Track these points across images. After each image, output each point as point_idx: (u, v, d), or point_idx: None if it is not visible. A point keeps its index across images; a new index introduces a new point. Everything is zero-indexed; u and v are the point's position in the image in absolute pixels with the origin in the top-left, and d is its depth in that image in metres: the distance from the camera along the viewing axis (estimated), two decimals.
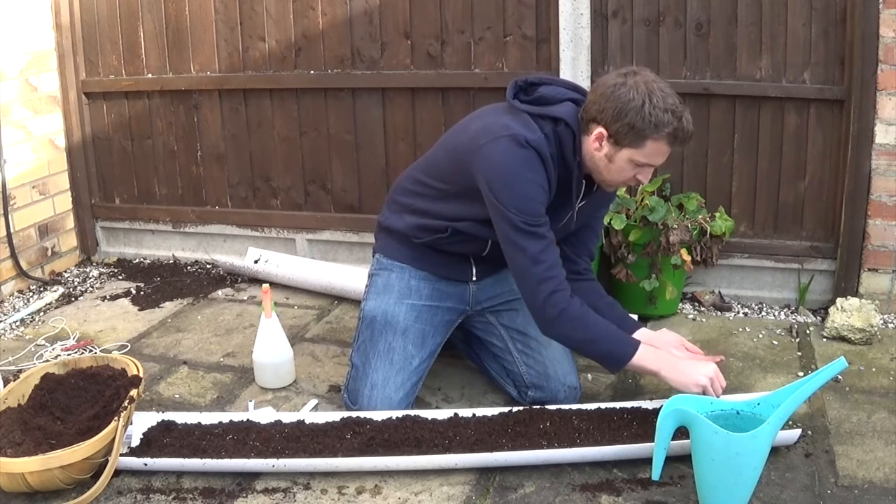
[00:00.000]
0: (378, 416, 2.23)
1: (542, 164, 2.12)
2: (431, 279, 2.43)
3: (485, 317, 2.50)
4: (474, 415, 2.24)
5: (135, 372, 2.27)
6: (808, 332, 2.87)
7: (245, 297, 3.38)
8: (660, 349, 2.20)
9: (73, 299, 3.42)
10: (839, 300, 2.84)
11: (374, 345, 2.35)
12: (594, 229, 2.48)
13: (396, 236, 2.44)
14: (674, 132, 2.05)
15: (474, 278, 2.46)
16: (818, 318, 2.99)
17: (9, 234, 3.43)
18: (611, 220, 2.92)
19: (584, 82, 3.04)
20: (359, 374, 2.35)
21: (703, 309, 3.09)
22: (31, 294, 3.49)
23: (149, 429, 2.23)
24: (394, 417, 2.23)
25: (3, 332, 3.11)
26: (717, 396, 2.08)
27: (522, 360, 2.41)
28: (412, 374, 2.34)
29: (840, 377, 2.50)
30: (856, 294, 2.93)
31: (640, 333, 2.28)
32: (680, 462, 2.04)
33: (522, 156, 2.10)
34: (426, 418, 2.23)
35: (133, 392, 2.17)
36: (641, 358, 2.15)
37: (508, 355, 2.44)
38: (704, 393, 2.08)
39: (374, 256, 2.53)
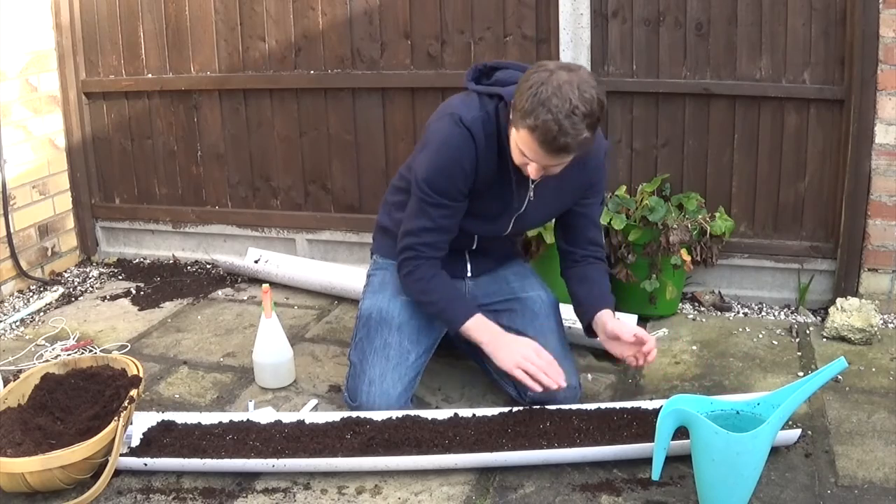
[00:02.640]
0: (378, 416, 2.23)
1: (472, 144, 2.16)
2: None
3: (488, 315, 2.50)
4: (474, 415, 2.24)
5: (135, 372, 2.27)
6: (808, 332, 2.87)
7: (245, 297, 3.38)
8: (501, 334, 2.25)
9: (73, 299, 3.42)
10: (839, 300, 2.84)
11: (370, 342, 2.35)
12: (587, 217, 2.40)
13: (390, 235, 2.45)
14: (536, 125, 1.95)
15: (469, 275, 2.47)
16: (818, 318, 2.99)
17: (9, 234, 3.43)
18: (611, 220, 2.93)
19: None
20: (357, 371, 2.35)
21: (703, 309, 3.09)
22: (31, 294, 3.49)
23: (149, 429, 2.23)
24: (394, 417, 2.23)
25: (3, 332, 3.11)
26: (538, 382, 2.16)
27: None
28: (409, 370, 2.34)
29: (840, 377, 2.50)
30: (856, 294, 2.93)
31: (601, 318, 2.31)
32: (680, 462, 2.04)
33: (454, 135, 2.16)
34: (426, 418, 2.23)
35: (133, 392, 2.17)
36: (472, 328, 2.25)
37: None
38: (530, 375, 2.16)
39: (371, 257, 2.57)
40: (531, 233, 2.89)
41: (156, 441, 2.18)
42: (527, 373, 2.18)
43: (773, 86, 2.92)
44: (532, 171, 2.09)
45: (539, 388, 2.18)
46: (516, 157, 2.11)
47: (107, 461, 2.04)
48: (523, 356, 2.20)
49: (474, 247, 2.40)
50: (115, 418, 2.08)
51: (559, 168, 2.10)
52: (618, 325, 2.28)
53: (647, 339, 2.23)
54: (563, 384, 2.19)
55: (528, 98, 1.96)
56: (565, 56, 3.03)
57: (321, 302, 3.29)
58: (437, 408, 2.40)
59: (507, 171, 2.22)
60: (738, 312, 3.06)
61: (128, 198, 3.86)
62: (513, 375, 2.21)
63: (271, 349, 2.59)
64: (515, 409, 2.25)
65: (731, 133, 3.02)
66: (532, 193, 2.27)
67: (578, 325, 2.77)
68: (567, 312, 2.86)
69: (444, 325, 2.36)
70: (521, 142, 2.03)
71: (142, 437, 2.20)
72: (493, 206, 2.30)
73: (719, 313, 3.06)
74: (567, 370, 2.36)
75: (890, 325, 2.89)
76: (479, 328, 2.27)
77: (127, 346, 2.93)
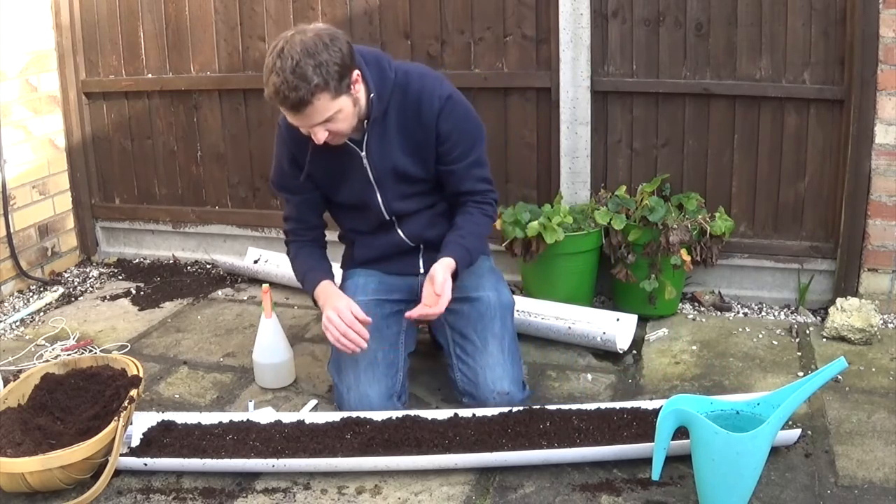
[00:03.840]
0: (378, 416, 2.23)
1: (284, 139, 2.32)
2: (379, 275, 2.49)
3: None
4: (474, 415, 2.24)
5: (135, 372, 2.27)
6: (807, 332, 2.87)
7: (245, 297, 3.38)
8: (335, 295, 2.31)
9: (73, 299, 3.42)
10: (839, 300, 2.84)
11: (338, 351, 2.32)
12: (457, 174, 2.35)
13: (345, 244, 2.58)
14: (270, 93, 2.04)
15: (422, 271, 2.47)
16: (818, 318, 2.99)
17: (9, 234, 3.43)
18: (611, 220, 2.93)
19: (584, 82, 3.04)
20: (336, 381, 2.37)
21: (703, 309, 3.09)
22: (31, 294, 3.49)
23: (149, 429, 2.23)
24: (394, 417, 2.23)
25: (3, 332, 3.11)
26: (335, 338, 2.22)
27: (458, 367, 2.37)
28: (382, 367, 2.32)
29: (840, 377, 2.50)
30: (856, 294, 2.93)
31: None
32: (680, 462, 2.04)
33: (276, 135, 2.37)
34: (426, 418, 2.23)
35: (133, 392, 2.17)
36: (317, 293, 2.35)
37: (449, 358, 2.41)
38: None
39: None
40: (530, 232, 2.88)
41: (156, 441, 2.18)
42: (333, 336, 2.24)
43: (773, 86, 2.92)
44: (315, 136, 2.13)
45: (347, 351, 2.23)
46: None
47: (107, 461, 2.04)
48: (327, 318, 2.24)
49: (406, 240, 2.43)
50: (115, 418, 2.08)
51: (338, 124, 2.11)
52: (435, 267, 2.27)
53: (437, 290, 2.22)
54: (358, 349, 2.22)
55: (264, 70, 2.04)
56: (565, 56, 3.03)
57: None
58: (437, 408, 2.40)
59: (332, 149, 2.26)
60: (738, 312, 3.06)
61: (128, 198, 3.86)
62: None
63: (271, 349, 2.59)
64: (515, 409, 2.25)
65: (731, 133, 3.02)
66: (366, 160, 2.30)
67: (579, 326, 2.78)
68: (569, 313, 2.87)
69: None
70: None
71: (142, 437, 2.20)
72: (347, 185, 2.36)
73: (719, 313, 3.06)
74: (499, 375, 2.32)
75: (890, 325, 2.89)
76: (320, 293, 2.35)
77: (127, 346, 2.93)
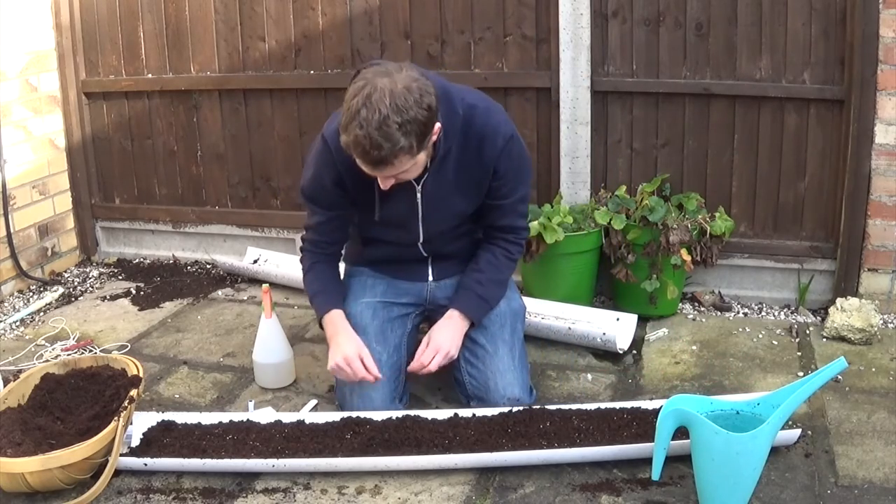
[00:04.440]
0: (378, 416, 2.23)
1: (330, 158, 2.18)
2: (387, 278, 2.47)
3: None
4: (474, 415, 2.24)
5: (135, 372, 2.27)
6: (807, 332, 2.87)
7: (245, 297, 3.38)
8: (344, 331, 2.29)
9: (73, 299, 3.42)
10: (839, 300, 2.84)
11: None
12: (501, 209, 2.32)
13: (354, 242, 2.50)
14: (349, 142, 1.92)
15: (431, 279, 2.47)
16: (818, 318, 2.99)
17: (9, 234, 3.43)
18: (611, 220, 2.93)
19: (584, 82, 3.04)
20: (339, 381, 2.37)
21: (703, 309, 3.09)
22: (31, 294, 3.49)
23: (149, 429, 2.23)
24: (394, 417, 2.23)
25: (3, 332, 3.11)
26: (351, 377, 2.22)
27: (467, 370, 2.37)
28: (386, 372, 2.30)
29: (840, 377, 2.49)
30: (856, 294, 2.93)
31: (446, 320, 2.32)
32: (680, 462, 2.04)
33: (317, 150, 2.25)
34: (426, 418, 2.23)
35: (133, 392, 2.17)
36: (326, 321, 2.32)
37: (457, 362, 2.40)
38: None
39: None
40: (531, 232, 2.88)
41: (156, 441, 2.18)
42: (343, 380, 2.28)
43: (773, 86, 2.92)
44: (382, 184, 2.07)
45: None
46: None
47: (107, 461, 2.04)
48: (337, 364, 2.23)
49: (424, 253, 2.40)
50: (115, 418, 2.08)
51: (407, 174, 2.06)
52: (440, 331, 2.31)
53: (422, 359, 2.27)
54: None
55: (345, 112, 1.92)
56: (565, 56, 3.03)
57: None
58: (437, 408, 2.40)
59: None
60: (738, 312, 3.06)
61: (128, 198, 3.86)
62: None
63: (271, 349, 2.59)
64: (515, 409, 2.25)
65: (731, 133, 3.02)
66: (420, 195, 2.24)
67: (579, 326, 2.78)
68: (569, 313, 2.87)
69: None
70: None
71: (142, 437, 2.20)
72: (390, 209, 2.27)
73: (719, 313, 3.06)
74: (509, 382, 2.32)
75: (890, 325, 2.89)
76: (328, 323, 2.32)
77: (127, 346, 2.93)
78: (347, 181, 2.20)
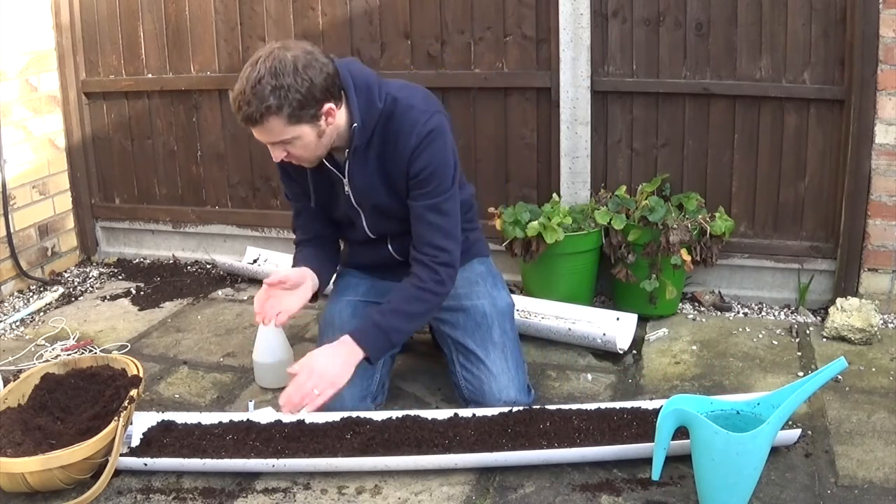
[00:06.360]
0: (378, 416, 2.23)
1: None
2: (370, 279, 2.49)
3: (434, 322, 2.46)
4: (474, 415, 2.24)
5: (135, 372, 2.27)
6: (808, 332, 2.87)
7: (245, 297, 3.38)
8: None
9: (73, 299, 3.42)
10: (839, 300, 2.84)
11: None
12: (418, 215, 2.22)
13: (343, 245, 2.58)
14: (231, 100, 2.05)
15: None
16: (818, 318, 2.99)
17: (9, 234, 3.43)
18: (611, 220, 2.93)
19: (584, 82, 3.04)
20: None
21: (703, 309, 3.09)
22: (31, 294, 3.49)
23: (149, 429, 2.23)
24: (394, 417, 2.23)
25: (3, 332, 3.11)
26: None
27: (462, 375, 2.36)
28: (359, 370, 2.22)
29: (840, 377, 2.49)
30: (856, 294, 2.93)
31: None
32: (680, 462, 2.04)
33: None
34: (426, 418, 2.23)
35: (133, 392, 2.17)
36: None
37: (452, 366, 2.40)
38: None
39: None
40: (530, 232, 2.88)
41: (156, 441, 2.18)
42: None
43: (773, 86, 2.92)
44: (272, 153, 2.14)
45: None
46: None
47: (107, 461, 2.04)
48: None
49: (397, 256, 2.39)
50: (115, 418, 2.08)
51: (295, 150, 2.10)
52: (315, 352, 2.19)
53: (290, 395, 2.10)
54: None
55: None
56: (565, 56, 3.03)
57: (321, 302, 3.27)
58: (437, 408, 2.40)
59: (323, 169, 2.26)
60: (738, 312, 3.06)
61: (128, 198, 3.86)
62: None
63: (271, 349, 2.59)
64: (515, 409, 2.25)
65: (731, 133, 3.02)
66: (347, 186, 2.27)
67: (579, 326, 2.78)
68: (569, 312, 2.88)
69: None
70: None
71: (142, 437, 2.20)
72: (334, 204, 2.36)
73: (719, 313, 3.06)
74: (504, 385, 2.31)
75: (890, 325, 2.89)
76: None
77: (127, 346, 2.93)
78: (290, 168, 2.31)
